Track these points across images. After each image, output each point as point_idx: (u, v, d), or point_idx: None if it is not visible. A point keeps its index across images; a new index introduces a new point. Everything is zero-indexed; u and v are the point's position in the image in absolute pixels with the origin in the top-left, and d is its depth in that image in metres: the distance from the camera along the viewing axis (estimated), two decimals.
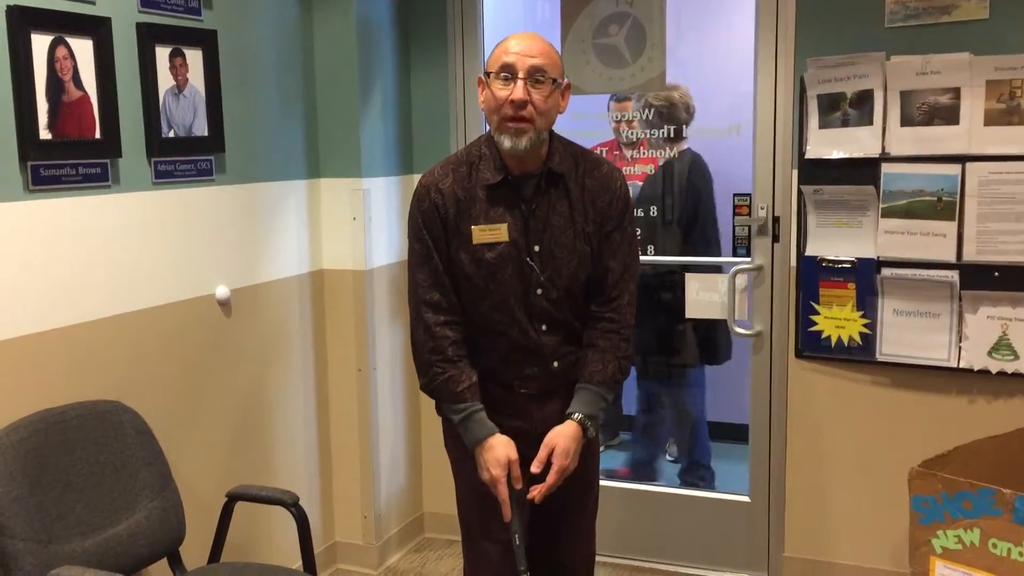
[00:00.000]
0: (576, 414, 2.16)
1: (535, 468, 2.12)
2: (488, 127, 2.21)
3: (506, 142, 2.12)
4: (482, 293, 2.19)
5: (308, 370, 3.41)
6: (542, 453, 2.12)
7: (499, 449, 2.12)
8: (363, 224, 3.41)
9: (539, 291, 2.19)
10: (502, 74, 2.10)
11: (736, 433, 4.76)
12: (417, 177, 3.65)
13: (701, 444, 4.24)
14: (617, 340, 2.22)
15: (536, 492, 2.13)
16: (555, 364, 2.22)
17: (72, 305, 2.48)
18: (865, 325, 3.14)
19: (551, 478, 2.12)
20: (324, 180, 3.45)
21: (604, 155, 3.73)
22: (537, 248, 2.18)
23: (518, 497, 2.12)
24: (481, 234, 2.15)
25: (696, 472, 4.20)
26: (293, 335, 3.33)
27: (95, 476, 2.37)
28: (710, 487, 4.04)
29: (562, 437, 2.14)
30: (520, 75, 2.09)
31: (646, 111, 3.67)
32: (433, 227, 2.17)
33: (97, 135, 2.50)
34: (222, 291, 2.95)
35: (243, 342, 3.08)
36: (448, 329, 2.18)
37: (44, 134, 2.36)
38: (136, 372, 2.67)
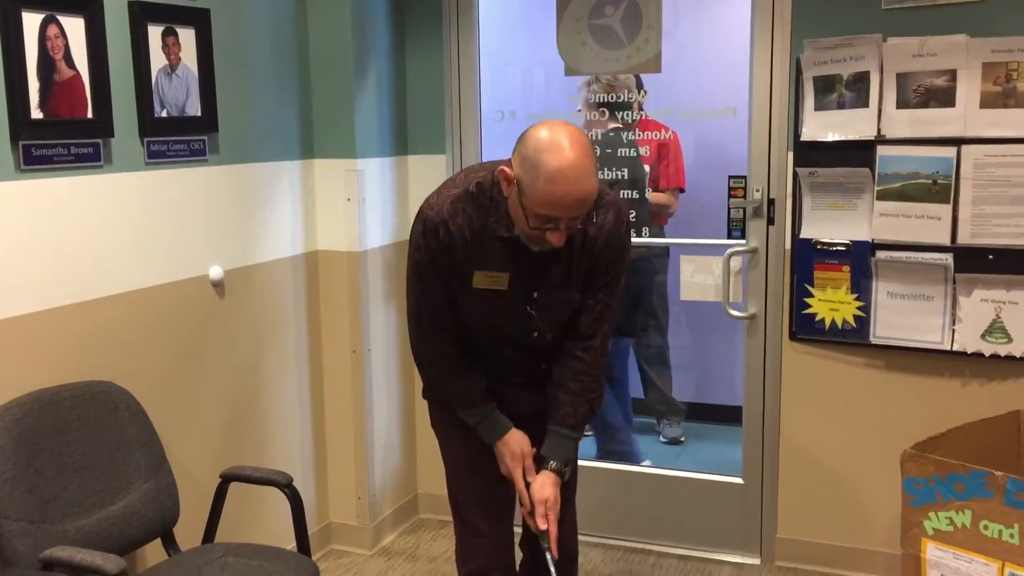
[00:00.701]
0: (551, 462, 2.20)
1: (542, 525, 2.16)
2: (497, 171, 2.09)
3: (529, 243, 2.09)
4: (476, 326, 2.22)
5: (302, 351, 3.41)
6: (539, 509, 2.17)
7: (515, 445, 2.20)
8: (357, 205, 3.40)
9: (535, 334, 2.22)
10: (544, 217, 2.01)
11: (730, 415, 4.78)
12: (411, 160, 3.70)
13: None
14: (588, 382, 2.23)
15: (554, 547, 2.17)
16: (542, 367, 2.28)
17: (65, 285, 2.47)
18: (859, 308, 3.15)
19: (552, 528, 2.17)
20: (318, 161, 3.43)
21: None
22: (536, 295, 2.18)
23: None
24: (483, 279, 2.15)
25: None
26: (287, 316, 3.32)
27: (89, 457, 2.37)
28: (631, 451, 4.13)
29: (547, 488, 2.18)
30: (562, 225, 2.02)
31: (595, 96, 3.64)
32: (440, 263, 2.14)
33: (89, 114, 2.48)
34: (216, 272, 2.95)
35: (237, 323, 3.07)
36: (453, 347, 2.23)
37: (35, 113, 2.34)
38: (129, 353, 2.66)
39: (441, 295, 2.16)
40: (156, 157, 2.72)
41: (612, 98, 3.63)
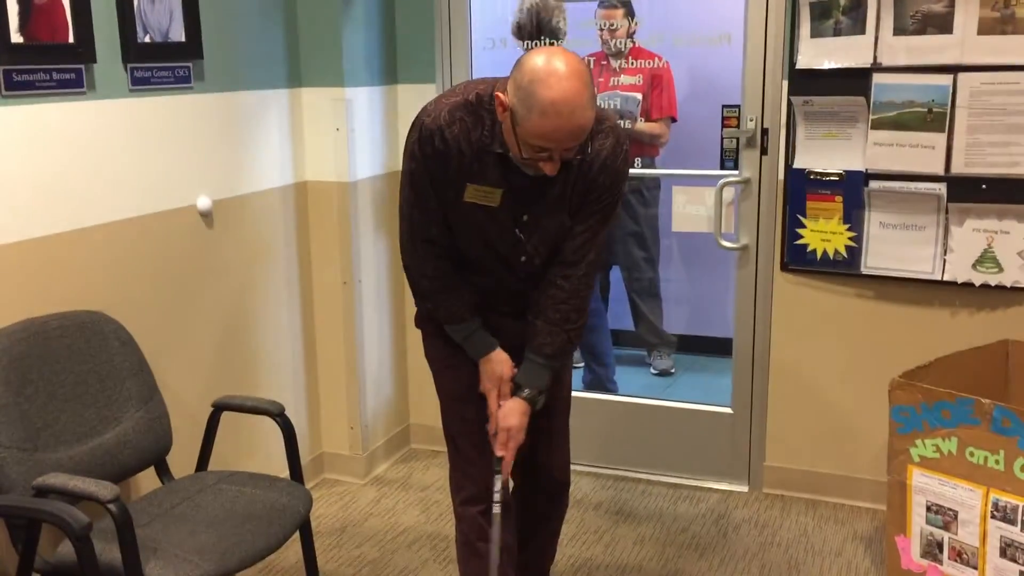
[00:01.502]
0: (524, 389, 2.19)
1: (500, 453, 2.18)
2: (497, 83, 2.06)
3: (522, 166, 2.05)
4: (466, 243, 2.19)
5: (292, 283, 3.39)
6: (501, 436, 2.18)
7: (497, 366, 2.20)
8: (346, 135, 3.36)
9: (523, 258, 2.20)
10: (536, 147, 1.97)
11: (720, 347, 4.81)
12: (401, 88, 3.64)
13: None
14: (567, 311, 2.19)
15: (506, 472, 2.21)
16: (522, 303, 2.27)
17: (51, 215, 2.45)
18: (851, 238, 3.14)
19: (508, 456, 2.19)
20: (306, 90, 3.37)
21: (591, 65, 3.68)
22: (525, 218, 2.15)
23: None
24: (475, 193, 2.10)
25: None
26: (277, 247, 3.30)
27: (79, 386, 2.36)
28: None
29: (514, 415, 2.18)
30: (556, 155, 1.98)
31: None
32: (435, 172, 2.10)
33: (70, 39, 2.43)
34: (203, 202, 2.92)
35: (226, 254, 3.05)
36: (445, 261, 2.21)
37: (15, 37, 2.29)
38: (118, 283, 2.64)
39: (433, 205, 2.13)
40: (140, 84, 2.67)
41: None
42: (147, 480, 2.71)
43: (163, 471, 2.56)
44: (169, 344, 2.83)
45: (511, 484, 2.42)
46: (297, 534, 2.50)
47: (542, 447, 2.37)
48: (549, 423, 2.38)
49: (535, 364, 2.20)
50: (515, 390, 2.20)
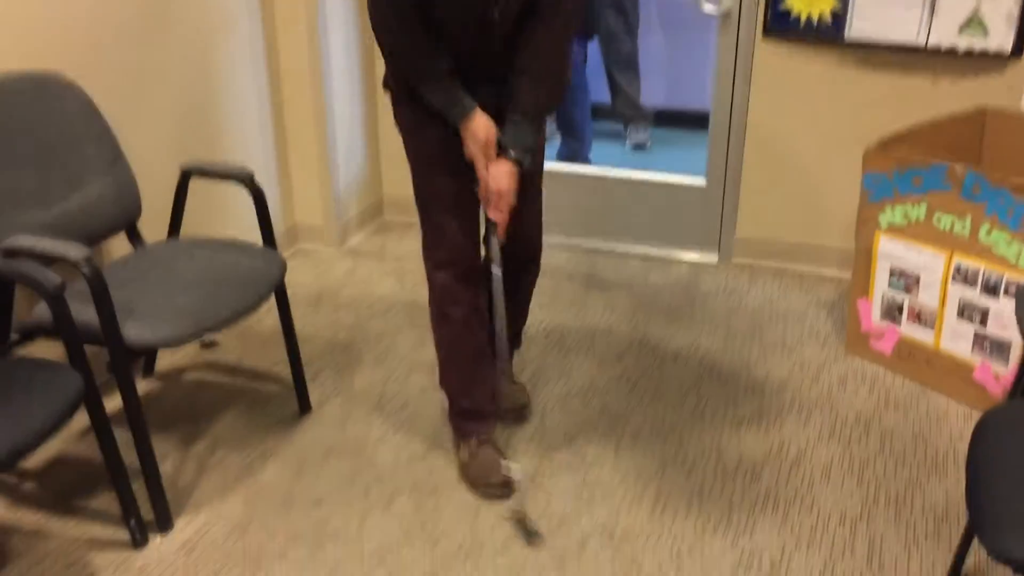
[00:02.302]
0: (511, 151, 2.15)
1: (493, 216, 2.17)
2: None
3: None
4: (434, 7, 2.07)
5: (258, 48, 3.26)
6: (492, 198, 2.16)
7: (481, 129, 2.14)
8: None
9: (495, 14, 2.07)
10: None
11: (697, 121, 4.76)
12: None
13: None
14: (548, 61, 2.13)
15: (501, 232, 2.20)
16: (502, 64, 2.17)
17: None
18: (837, 2, 3.03)
19: (504, 216, 2.19)
20: None
21: None
22: None
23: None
24: None
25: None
26: (238, 9, 3.14)
27: (41, 150, 2.30)
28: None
29: (504, 177, 2.15)
30: None
31: None
32: None
33: None
34: None
35: (186, 15, 2.90)
36: (417, 23, 2.08)
37: None
38: (74, 43, 2.52)
39: None
40: None
41: None
42: (119, 248, 2.71)
43: (134, 237, 2.55)
44: (131, 109, 2.74)
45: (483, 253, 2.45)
46: (273, 300, 2.53)
47: (517, 220, 2.37)
48: (523, 195, 2.37)
49: (520, 123, 2.16)
50: (501, 152, 2.17)
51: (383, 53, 2.18)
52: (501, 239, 2.22)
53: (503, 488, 2.30)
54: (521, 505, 2.24)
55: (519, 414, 2.62)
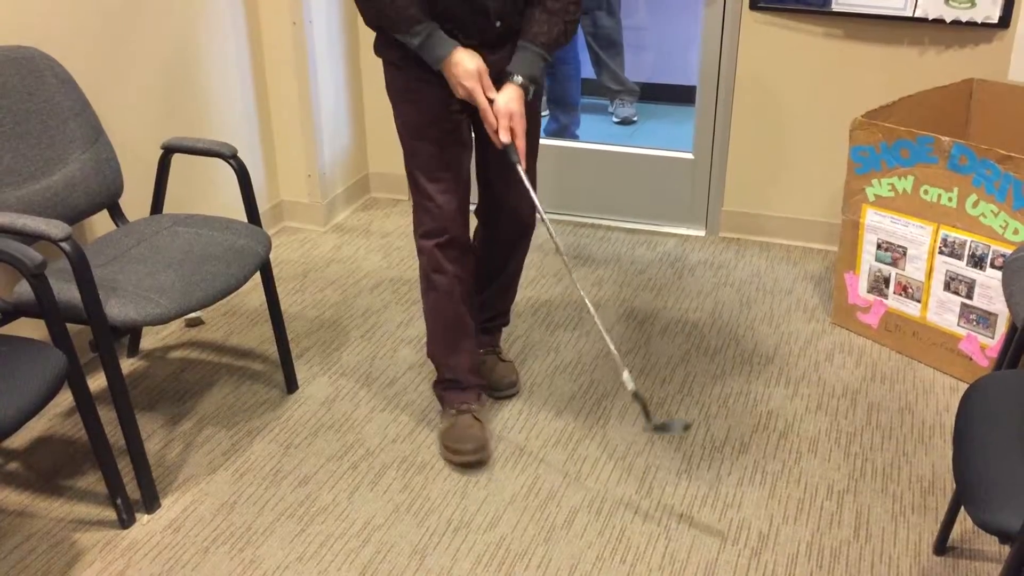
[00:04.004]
0: (517, 76, 2.11)
1: (505, 139, 2.11)
2: None
3: None
4: None
5: (239, 23, 3.22)
6: (503, 121, 2.10)
7: (467, 61, 2.07)
8: None
9: None
10: None
11: (684, 95, 4.74)
12: None
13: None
14: (567, 2, 2.11)
15: (521, 155, 2.15)
16: (498, 24, 2.12)
17: None
18: None
19: (520, 141, 2.13)
20: None
21: None
22: None
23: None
24: None
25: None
26: None
27: (20, 126, 2.27)
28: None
29: (513, 102, 2.10)
30: None
31: None
32: None
33: None
34: None
35: None
36: None
37: None
38: (51, 18, 2.48)
39: None
40: None
41: None
42: (102, 225, 2.68)
43: (117, 214, 2.52)
44: (111, 85, 2.70)
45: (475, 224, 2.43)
46: (259, 277, 2.51)
47: (512, 191, 2.35)
48: (528, 168, 2.35)
49: (529, 52, 2.11)
50: (507, 78, 2.11)
51: (361, 9, 2.11)
52: (522, 163, 2.15)
53: (475, 456, 2.31)
54: (648, 412, 2.16)
55: (507, 391, 2.61)
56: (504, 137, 2.12)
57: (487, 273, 2.52)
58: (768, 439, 2.43)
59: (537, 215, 2.21)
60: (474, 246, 2.46)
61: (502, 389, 2.60)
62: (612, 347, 2.13)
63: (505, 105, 2.10)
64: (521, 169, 2.15)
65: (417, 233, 2.30)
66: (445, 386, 2.44)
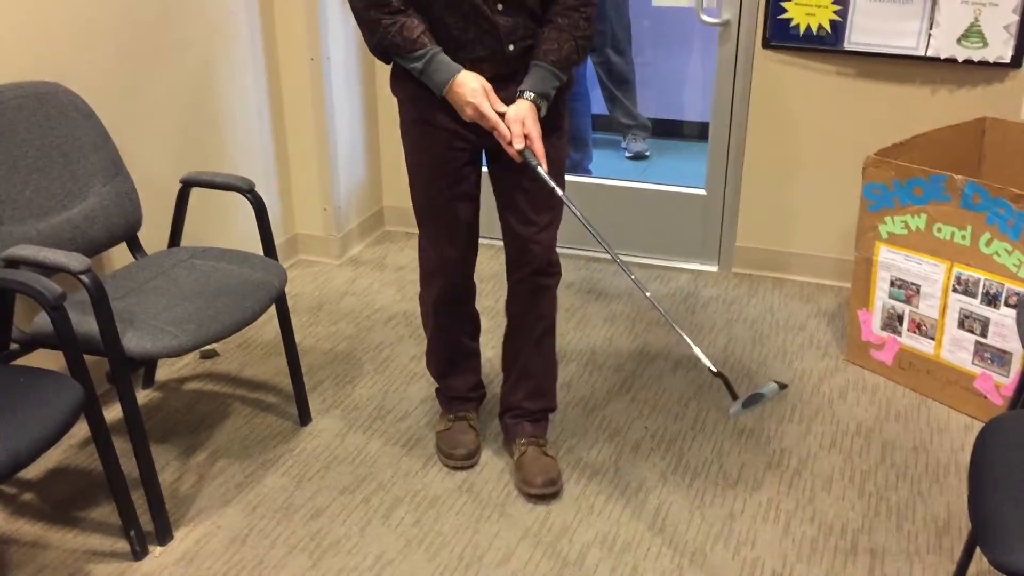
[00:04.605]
0: (528, 93, 2.07)
1: (520, 144, 2.04)
2: None
3: None
4: None
5: (258, 59, 3.27)
6: (515, 128, 2.05)
7: (471, 81, 2.04)
8: None
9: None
10: None
11: (697, 131, 4.77)
12: None
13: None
14: (577, 18, 2.09)
15: (542, 161, 2.06)
16: (510, 48, 2.09)
17: None
18: (836, 12, 3.04)
19: (536, 144, 2.06)
20: None
21: None
22: None
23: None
24: None
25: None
26: (239, 21, 3.15)
27: (42, 160, 2.31)
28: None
29: (524, 111, 2.05)
30: None
31: None
32: None
33: None
34: None
35: (186, 27, 2.91)
36: None
37: None
38: (74, 54, 2.53)
39: None
40: None
41: None
42: (120, 258, 2.71)
43: (135, 247, 2.55)
44: (132, 120, 2.75)
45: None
46: (274, 310, 2.53)
47: (528, 227, 2.27)
48: (535, 197, 2.29)
49: (540, 68, 2.08)
50: (517, 95, 2.08)
51: (360, 23, 2.09)
52: (543, 165, 2.07)
53: (466, 462, 2.44)
54: (733, 390, 2.02)
55: (543, 490, 2.32)
56: (518, 143, 2.05)
57: (513, 347, 2.42)
58: (782, 476, 2.42)
59: (567, 207, 2.12)
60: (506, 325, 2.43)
61: (536, 487, 2.32)
62: (686, 338, 2.01)
63: (515, 113, 2.05)
64: (543, 170, 2.06)
65: (421, 273, 2.40)
66: (443, 393, 2.57)
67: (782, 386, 1.95)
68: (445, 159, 2.18)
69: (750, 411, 1.98)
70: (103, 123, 2.46)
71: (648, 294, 2.08)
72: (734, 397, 1.97)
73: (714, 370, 1.98)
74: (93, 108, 2.45)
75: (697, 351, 1.98)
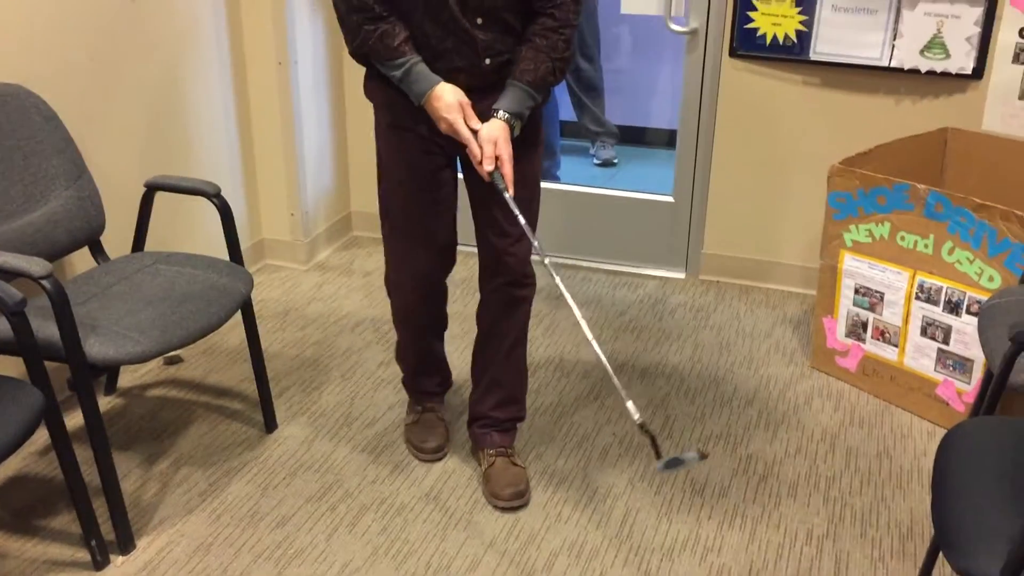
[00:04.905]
0: (502, 112, 2.06)
1: (489, 167, 2.04)
2: None
3: None
4: None
5: (225, 62, 3.24)
6: (487, 149, 2.04)
7: (448, 95, 2.04)
8: None
9: (475, 17, 2.02)
10: None
11: (664, 139, 4.79)
12: None
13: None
14: (555, 39, 2.08)
15: (510, 186, 2.06)
16: (487, 62, 2.09)
17: None
18: (802, 22, 3.07)
19: (506, 167, 2.05)
20: None
21: None
22: None
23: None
24: None
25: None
26: (205, 25, 3.12)
27: (2, 163, 2.27)
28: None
29: (496, 131, 2.05)
30: None
31: None
32: None
33: None
34: None
35: (151, 30, 2.88)
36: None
37: None
38: (37, 56, 2.49)
39: None
40: None
41: None
42: (82, 262, 2.67)
43: (98, 251, 2.51)
44: (96, 122, 2.71)
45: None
46: (239, 316, 2.50)
47: (502, 240, 2.25)
48: (525, 213, 2.26)
49: (515, 88, 2.07)
50: (491, 113, 2.07)
51: (342, 28, 2.08)
52: (510, 190, 2.06)
53: (435, 456, 2.49)
54: (657, 448, 1.99)
55: (510, 503, 2.31)
56: (488, 165, 2.05)
57: (484, 357, 2.40)
58: (748, 482, 2.43)
59: (535, 253, 2.13)
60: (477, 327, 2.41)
61: (504, 499, 2.31)
62: (615, 380, 1.98)
63: (488, 133, 2.04)
64: (508, 196, 2.06)
65: (388, 281, 2.42)
66: (411, 388, 2.59)
67: (703, 456, 1.92)
68: (420, 163, 2.18)
69: (671, 472, 2.03)
70: (66, 126, 2.42)
71: (590, 337, 2.03)
72: (657, 456, 1.93)
73: (640, 424, 1.92)
74: (56, 111, 2.41)
75: (630, 405, 1.93)
